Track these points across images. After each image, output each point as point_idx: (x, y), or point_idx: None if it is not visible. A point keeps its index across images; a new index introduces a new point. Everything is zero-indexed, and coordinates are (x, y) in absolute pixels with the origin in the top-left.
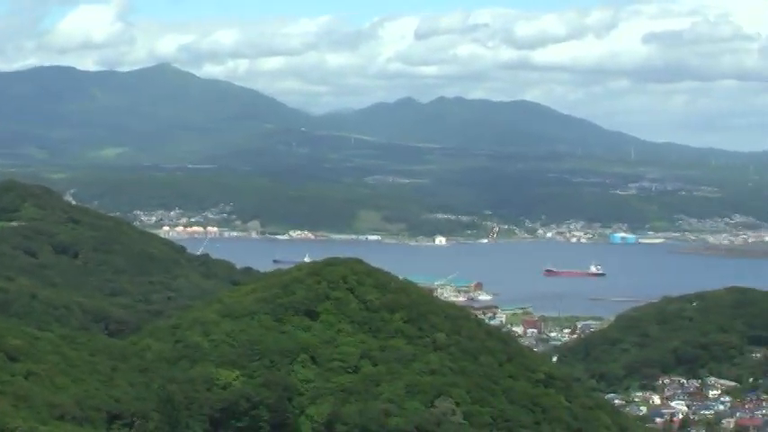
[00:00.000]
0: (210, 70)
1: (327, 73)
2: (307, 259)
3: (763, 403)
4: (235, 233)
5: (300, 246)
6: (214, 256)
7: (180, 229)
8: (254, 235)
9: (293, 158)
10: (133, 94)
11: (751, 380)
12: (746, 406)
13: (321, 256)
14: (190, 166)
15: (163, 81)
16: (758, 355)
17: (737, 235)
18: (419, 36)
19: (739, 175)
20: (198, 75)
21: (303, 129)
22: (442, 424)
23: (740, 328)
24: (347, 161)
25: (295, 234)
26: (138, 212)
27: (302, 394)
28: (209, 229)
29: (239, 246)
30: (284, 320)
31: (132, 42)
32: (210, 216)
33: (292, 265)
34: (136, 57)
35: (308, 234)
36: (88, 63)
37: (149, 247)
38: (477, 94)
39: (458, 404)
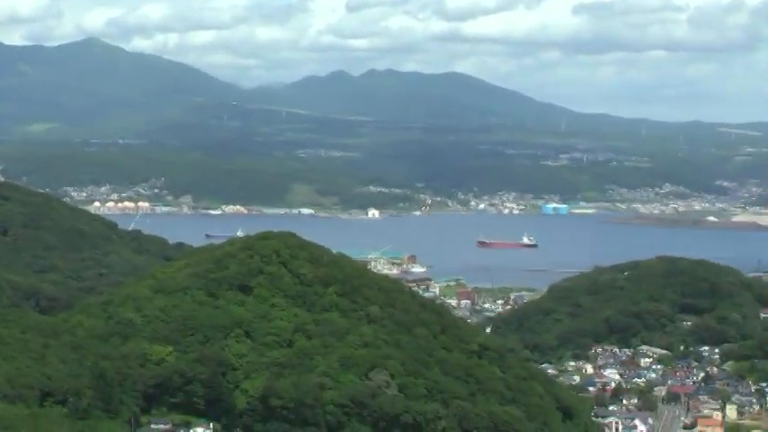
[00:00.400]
0: (139, 44)
1: (258, 46)
2: (239, 234)
3: (694, 371)
4: (166, 208)
5: (233, 220)
6: (146, 231)
7: (111, 204)
8: (186, 210)
9: (225, 133)
10: (62, 69)
11: (682, 348)
12: (678, 374)
13: (254, 230)
14: (120, 141)
15: (91, 56)
16: (689, 323)
17: (668, 204)
18: (350, 9)
19: (669, 146)
20: (127, 49)
21: (234, 103)
22: (376, 396)
23: (671, 296)
24: (279, 135)
25: (227, 209)
26: (69, 188)
27: (236, 369)
28: (141, 204)
29: (171, 221)
30: (217, 295)
31: (60, 16)
32: (142, 191)
33: (225, 240)
34: (64, 31)
35: (240, 208)
36: (15, 38)
37: (80, 224)
38: (408, 66)
39: (392, 376)
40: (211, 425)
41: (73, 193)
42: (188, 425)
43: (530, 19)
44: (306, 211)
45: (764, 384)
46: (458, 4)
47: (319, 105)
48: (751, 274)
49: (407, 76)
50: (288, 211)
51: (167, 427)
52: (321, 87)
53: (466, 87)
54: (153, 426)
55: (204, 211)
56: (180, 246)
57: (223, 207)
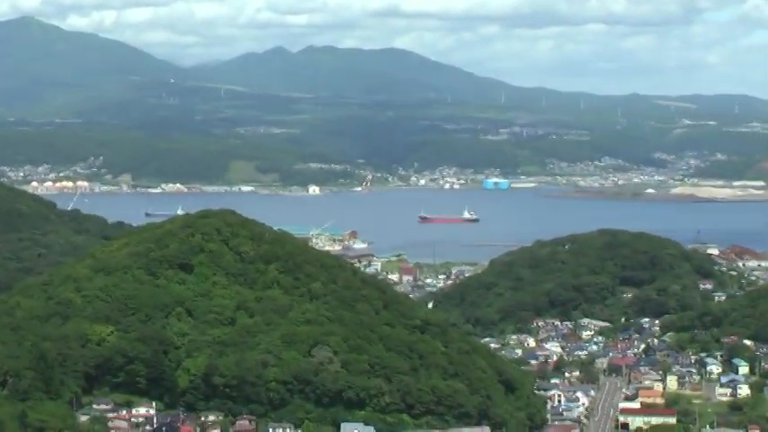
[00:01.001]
0: (76, 22)
1: (196, 23)
2: (180, 212)
3: (635, 342)
4: (105, 187)
5: (173, 199)
6: (85, 211)
7: (49, 184)
8: (125, 189)
9: (163, 111)
10: None
11: (623, 320)
12: (619, 345)
13: (194, 208)
14: (57, 120)
15: (27, 34)
16: (629, 295)
17: (607, 177)
18: None
19: (608, 119)
20: (63, 27)
21: (172, 80)
22: (319, 373)
23: (611, 269)
24: (218, 112)
25: (167, 187)
26: (5, 168)
27: (178, 348)
28: (80, 183)
29: (110, 200)
30: (158, 274)
31: None
32: (80, 171)
33: (165, 219)
34: None
35: (180, 187)
36: None
37: (18, 204)
38: (347, 42)
39: (335, 353)
40: (154, 404)
41: (10, 173)
42: (130, 404)
43: None
44: (246, 188)
45: (704, 355)
46: None
47: (258, 82)
48: (690, 246)
49: (346, 53)
50: (228, 188)
51: (109, 407)
52: (260, 64)
53: (405, 63)
54: (95, 406)
55: (143, 190)
56: (119, 225)
57: (162, 186)
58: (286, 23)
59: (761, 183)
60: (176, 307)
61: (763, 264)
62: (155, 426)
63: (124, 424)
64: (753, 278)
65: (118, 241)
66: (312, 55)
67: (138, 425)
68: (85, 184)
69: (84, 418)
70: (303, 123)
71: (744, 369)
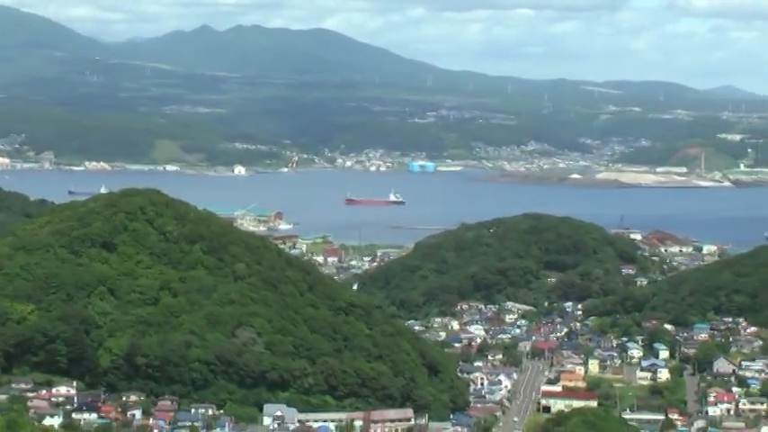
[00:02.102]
0: None
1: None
2: (103, 190)
3: (558, 326)
4: (27, 164)
5: (97, 177)
6: (6, 188)
7: None
8: (47, 166)
9: (87, 88)
10: None
11: (546, 303)
12: (542, 329)
13: (118, 187)
14: None
15: None
16: (553, 279)
17: (533, 162)
18: None
19: (534, 103)
20: None
21: (97, 57)
22: (243, 354)
23: (535, 253)
24: (144, 91)
25: (90, 165)
26: None
27: (100, 327)
28: (1, 160)
29: (32, 177)
30: (81, 253)
31: None
32: (1, 147)
33: (88, 197)
34: None
35: (104, 165)
36: None
37: None
38: (275, 22)
39: (259, 334)
40: (74, 383)
41: None
42: (50, 384)
43: None
44: (171, 167)
45: (625, 339)
46: None
47: (185, 61)
48: (613, 231)
49: (274, 33)
50: (153, 167)
51: (29, 386)
52: (186, 43)
53: (333, 44)
54: (14, 385)
55: (67, 168)
56: (42, 202)
57: (86, 163)
58: (214, 2)
59: (684, 169)
60: (99, 286)
61: (684, 249)
62: (75, 405)
63: (44, 403)
64: (674, 263)
65: (40, 219)
66: (239, 34)
67: (58, 404)
68: (7, 160)
69: (2, 397)
70: (229, 103)
71: (664, 353)
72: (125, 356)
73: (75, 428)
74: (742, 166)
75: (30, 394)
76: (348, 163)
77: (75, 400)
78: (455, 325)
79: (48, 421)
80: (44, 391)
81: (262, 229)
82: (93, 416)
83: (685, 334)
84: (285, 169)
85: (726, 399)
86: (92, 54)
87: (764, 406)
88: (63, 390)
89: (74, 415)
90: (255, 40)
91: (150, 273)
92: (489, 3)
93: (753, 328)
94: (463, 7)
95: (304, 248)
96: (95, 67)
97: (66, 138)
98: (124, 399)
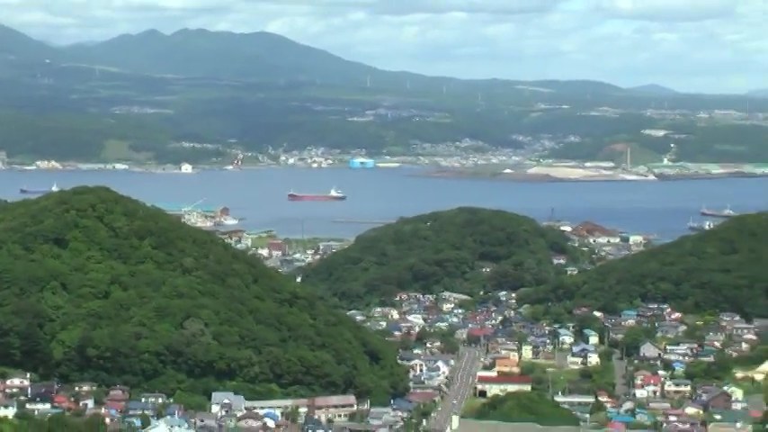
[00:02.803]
0: None
1: (71, 4)
2: (55, 189)
3: (493, 314)
4: None
5: (48, 176)
6: None
7: None
8: (0, 166)
9: (38, 90)
10: None
11: (481, 293)
12: (477, 318)
13: (69, 185)
14: None
15: None
16: (488, 269)
17: (467, 158)
18: None
19: (469, 102)
20: None
21: (48, 60)
22: (191, 344)
23: (471, 245)
24: (93, 92)
25: (42, 164)
26: None
27: (53, 320)
28: None
29: None
30: (33, 249)
31: None
32: None
33: (40, 195)
34: None
35: (55, 164)
36: None
37: None
38: (220, 26)
39: (207, 325)
40: (28, 375)
41: None
42: (4, 376)
43: None
44: (120, 166)
45: (557, 326)
46: None
47: (133, 63)
48: (545, 223)
49: (219, 36)
50: (102, 166)
51: None
52: (134, 46)
53: (276, 47)
54: None
55: (18, 167)
56: None
57: (38, 163)
58: (160, 7)
59: (610, 164)
60: (51, 281)
61: (611, 240)
62: (29, 396)
63: None
64: (602, 253)
65: None
66: (185, 37)
67: (12, 395)
68: None
69: None
70: (176, 104)
71: (593, 339)
72: (77, 348)
73: (28, 419)
74: (665, 160)
75: None
76: (291, 160)
77: (29, 391)
78: (395, 314)
79: (2, 412)
80: None
81: (208, 224)
82: (47, 406)
83: (613, 320)
84: (230, 167)
85: (652, 381)
86: (43, 57)
87: (688, 388)
88: (17, 381)
89: (27, 405)
90: (201, 43)
91: (101, 267)
92: (425, 6)
93: (677, 314)
94: (401, 11)
95: (249, 243)
96: (47, 70)
97: (18, 138)
98: (77, 389)
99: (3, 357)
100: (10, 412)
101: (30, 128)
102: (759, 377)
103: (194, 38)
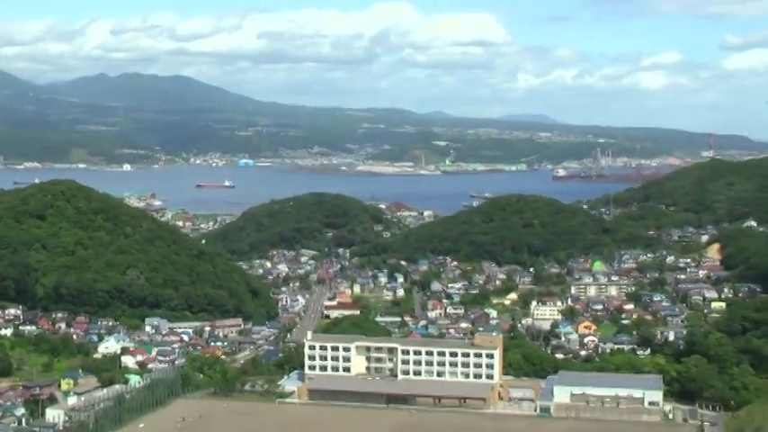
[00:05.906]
0: None
1: (48, 55)
2: (37, 181)
3: (334, 263)
4: None
5: (33, 172)
6: None
7: None
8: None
9: (25, 114)
10: None
11: (327, 249)
12: (324, 266)
13: (47, 178)
14: None
15: None
16: (330, 234)
17: (317, 160)
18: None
19: (317, 122)
20: None
21: (31, 93)
22: (131, 285)
23: (319, 218)
24: (64, 116)
25: (29, 164)
26: None
27: (37, 270)
28: None
29: None
30: (23, 221)
31: None
32: None
33: (28, 185)
34: None
35: (37, 164)
36: None
37: None
38: (150, 70)
39: (142, 272)
40: (20, 307)
41: None
42: (3, 307)
43: (233, 40)
44: (82, 165)
45: (377, 271)
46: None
47: (90, 96)
48: (368, 202)
49: (149, 77)
50: (70, 166)
51: None
52: (91, 83)
53: (188, 85)
54: None
55: (12, 166)
56: None
57: (26, 163)
58: (109, 57)
59: (411, 164)
60: (35, 243)
61: (412, 213)
62: (21, 321)
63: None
64: (407, 223)
65: None
66: (126, 78)
67: (9, 320)
68: None
69: None
70: (120, 123)
71: (400, 279)
72: (53, 289)
73: (20, 336)
74: (447, 161)
75: None
76: (198, 161)
77: (21, 318)
78: (268, 264)
79: (2, 332)
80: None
81: (142, 204)
82: (33, 328)
83: (414, 267)
84: (156, 166)
85: (438, 307)
86: (28, 92)
87: (462, 311)
88: (12, 311)
89: (20, 327)
90: (137, 82)
91: (69, 234)
92: (289, 57)
93: (454, 263)
94: (272, 61)
95: (170, 217)
96: (30, 100)
97: (12, 147)
98: (54, 316)
99: (2, 295)
100: (8, 332)
101: (20, 139)
102: (507, 303)
103: (132, 78)
